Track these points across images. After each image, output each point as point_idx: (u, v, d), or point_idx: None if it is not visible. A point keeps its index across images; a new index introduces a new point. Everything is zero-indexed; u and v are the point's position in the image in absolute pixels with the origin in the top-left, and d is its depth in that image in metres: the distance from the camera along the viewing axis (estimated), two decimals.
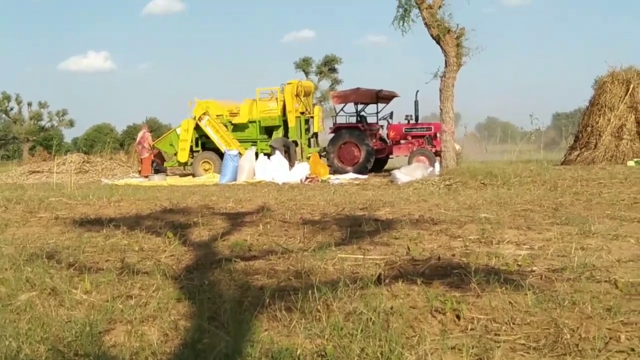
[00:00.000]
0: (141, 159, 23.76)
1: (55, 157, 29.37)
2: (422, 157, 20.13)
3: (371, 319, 3.56)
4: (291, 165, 19.94)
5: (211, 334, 3.53)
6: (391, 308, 3.81)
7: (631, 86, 21.58)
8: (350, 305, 3.86)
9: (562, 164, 22.29)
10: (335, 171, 21.04)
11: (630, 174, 15.27)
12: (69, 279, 4.87)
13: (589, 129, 22.22)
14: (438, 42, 16.34)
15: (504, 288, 4.22)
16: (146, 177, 22.29)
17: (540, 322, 3.59)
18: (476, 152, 27.88)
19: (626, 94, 21.62)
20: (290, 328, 3.60)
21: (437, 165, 17.17)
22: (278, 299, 4.08)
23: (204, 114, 21.77)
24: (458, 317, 3.71)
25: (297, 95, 21.48)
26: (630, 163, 19.93)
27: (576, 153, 22.26)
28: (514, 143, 30.49)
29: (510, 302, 3.90)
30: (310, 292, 4.08)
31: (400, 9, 16.65)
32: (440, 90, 16.42)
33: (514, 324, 3.60)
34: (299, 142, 21.57)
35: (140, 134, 23.97)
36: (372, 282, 4.44)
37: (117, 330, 3.65)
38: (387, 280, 4.53)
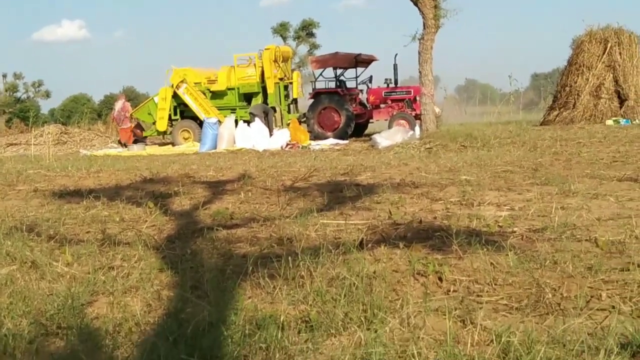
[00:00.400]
0: (122, 129, 23.57)
1: (33, 129, 29.07)
2: (402, 121, 20.10)
3: (354, 283, 3.57)
4: (270, 131, 19.83)
5: (194, 303, 3.53)
6: (374, 272, 3.82)
7: (609, 45, 21.69)
8: (333, 271, 3.86)
9: (541, 124, 22.43)
10: (315, 137, 20.97)
11: (608, 133, 15.40)
12: (49, 252, 4.84)
13: (567, 88, 22.33)
14: (416, 4, 16.26)
15: (485, 249, 4.24)
16: (126, 146, 22.19)
17: (522, 283, 3.62)
18: (456, 115, 27.99)
19: (604, 53, 21.72)
20: (274, 295, 3.60)
21: (417, 128, 17.18)
22: (261, 267, 4.08)
23: (182, 81, 21.55)
24: (440, 279, 3.73)
25: (275, 61, 21.31)
26: (609, 122, 20.09)
27: (555, 113, 22.38)
28: (493, 105, 30.61)
29: (491, 263, 3.92)
30: (292, 258, 4.07)
31: None
32: (419, 53, 16.38)
33: (495, 284, 3.62)
34: (277, 109, 21.44)
35: (119, 104, 23.71)
36: (355, 247, 4.44)
37: (100, 302, 3.64)
38: (369, 245, 4.54)
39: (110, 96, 79.84)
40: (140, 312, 3.39)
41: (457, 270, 3.87)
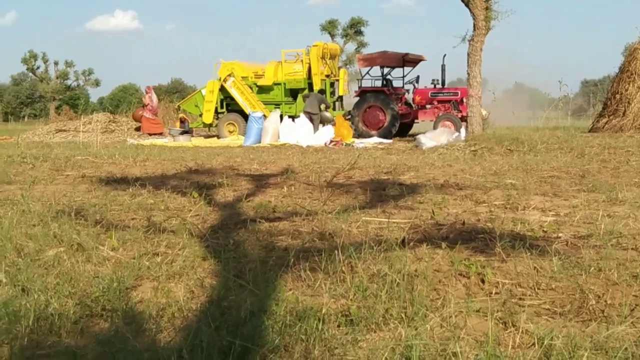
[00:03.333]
0: (145, 118, 24.44)
1: (82, 116, 29.59)
2: (448, 122, 20.00)
3: (395, 280, 3.57)
4: (315, 128, 19.84)
5: (236, 291, 3.57)
6: (415, 271, 3.81)
7: None
8: (375, 267, 3.87)
9: (589, 131, 22.03)
10: (359, 135, 20.96)
11: None
12: (95, 236, 4.93)
13: (617, 96, 21.88)
14: (467, 5, 16.10)
15: (529, 253, 4.20)
16: (151, 134, 23.44)
17: (566, 288, 3.58)
18: (503, 118, 27.64)
19: None
20: (315, 288, 3.62)
21: (462, 130, 17.05)
22: (302, 260, 4.10)
23: (229, 75, 21.76)
24: (482, 281, 3.71)
25: (323, 57, 21.36)
26: None
27: (604, 120, 21.96)
28: (541, 109, 30.20)
29: (535, 268, 3.88)
30: (334, 253, 4.09)
31: None
32: (468, 55, 16.22)
33: (538, 289, 3.59)
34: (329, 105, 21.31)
35: (153, 97, 24.64)
36: (397, 244, 4.44)
37: (144, 286, 3.70)
38: (411, 244, 4.52)
39: (158, 87, 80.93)
40: (183, 298, 3.44)
41: (500, 272, 3.84)
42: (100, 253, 4.35)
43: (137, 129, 25.35)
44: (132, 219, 6.08)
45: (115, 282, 3.59)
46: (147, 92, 26.08)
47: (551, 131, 20.95)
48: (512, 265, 3.96)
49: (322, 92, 21.08)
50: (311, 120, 19.75)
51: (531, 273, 3.81)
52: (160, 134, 24.48)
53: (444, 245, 4.47)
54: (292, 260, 4.08)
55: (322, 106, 20.39)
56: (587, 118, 31.32)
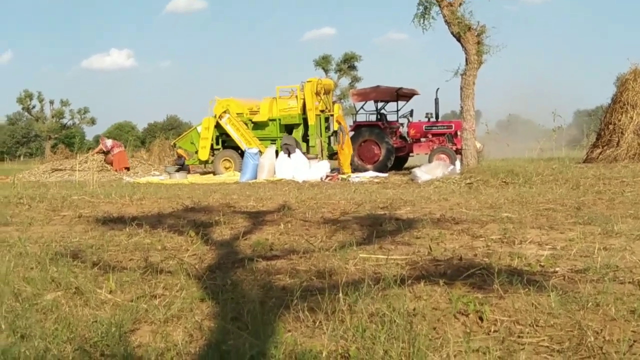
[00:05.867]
0: (113, 158, 25.07)
1: (77, 155, 29.64)
2: (443, 155, 20.11)
3: (394, 320, 3.57)
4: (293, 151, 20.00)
5: (235, 335, 3.55)
6: (414, 309, 3.81)
7: None
8: (373, 307, 3.86)
9: (584, 162, 22.13)
10: (355, 169, 21.04)
11: None
12: (93, 278, 4.92)
13: (611, 126, 22.05)
14: (459, 40, 16.29)
15: (526, 289, 4.21)
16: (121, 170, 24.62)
17: (564, 324, 3.58)
18: (497, 150, 27.76)
19: None
20: (314, 329, 3.61)
21: (457, 163, 17.13)
22: (301, 300, 4.10)
23: (225, 112, 21.88)
24: (481, 318, 3.70)
25: (317, 93, 21.49)
26: None
27: (598, 151, 22.09)
28: (536, 141, 30.34)
29: (533, 304, 3.88)
30: (332, 292, 4.09)
31: (421, 7, 16.66)
32: (461, 88, 16.37)
33: (537, 326, 3.59)
34: (318, 140, 21.49)
35: (109, 143, 25.30)
36: (395, 282, 4.44)
37: (142, 330, 3.69)
38: (409, 281, 4.52)
39: (154, 124, 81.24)
40: (182, 342, 3.43)
41: (498, 310, 3.84)
42: (98, 296, 4.34)
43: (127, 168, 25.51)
44: (130, 259, 6.08)
45: (113, 326, 3.58)
46: (101, 141, 26.59)
47: (546, 162, 21.04)
48: (510, 302, 3.97)
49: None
50: (288, 152, 19.88)
51: (529, 309, 3.81)
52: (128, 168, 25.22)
53: (441, 282, 4.47)
54: (291, 300, 4.08)
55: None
56: (581, 148, 31.46)
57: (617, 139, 21.55)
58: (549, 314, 3.74)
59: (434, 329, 3.57)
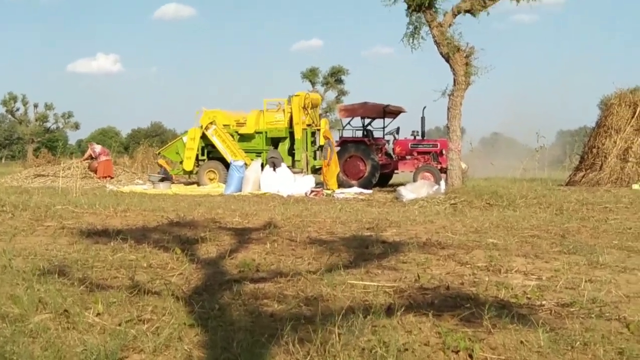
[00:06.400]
0: (99, 164, 25.18)
1: (60, 160, 29.45)
2: (428, 174, 20.18)
3: (384, 356, 3.57)
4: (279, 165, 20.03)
5: None
6: (404, 344, 3.81)
7: (638, 109, 21.63)
8: (363, 339, 3.86)
9: (567, 184, 22.31)
10: (340, 185, 21.04)
11: (635, 198, 15.29)
12: (80, 298, 4.88)
13: (594, 150, 22.25)
14: (447, 61, 16.38)
15: (515, 324, 4.24)
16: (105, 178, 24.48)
17: None
18: (480, 168, 27.89)
19: (633, 117, 21.66)
20: None
21: (442, 183, 17.18)
22: (290, 329, 4.08)
23: (211, 123, 21.83)
24: (470, 356, 3.72)
25: (305, 107, 21.50)
26: (635, 186, 19.96)
27: (581, 174, 22.28)
28: (518, 159, 30.51)
29: (522, 342, 3.91)
30: (322, 323, 4.09)
31: (411, 26, 16.71)
32: (448, 109, 16.44)
33: None
34: (304, 155, 21.50)
35: (97, 149, 25.16)
36: (383, 312, 4.46)
37: (131, 359, 3.66)
38: (398, 313, 4.52)
39: (137, 130, 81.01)
40: None
41: (486, 347, 3.85)
42: (86, 319, 4.31)
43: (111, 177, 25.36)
44: (115, 277, 6.05)
45: (104, 355, 3.55)
46: (90, 146, 26.44)
47: (529, 183, 21.16)
48: (499, 338, 3.98)
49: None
50: (274, 165, 19.88)
51: (518, 347, 3.83)
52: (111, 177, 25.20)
53: (430, 314, 4.49)
54: (280, 330, 4.07)
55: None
56: (564, 169, 31.71)
57: (600, 162, 21.75)
58: (538, 352, 3.77)
59: None
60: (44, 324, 4.18)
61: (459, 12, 16.48)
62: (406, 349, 3.74)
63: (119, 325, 4.22)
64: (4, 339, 3.85)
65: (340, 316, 4.22)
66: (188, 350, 3.79)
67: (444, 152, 20.53)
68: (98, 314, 4.48)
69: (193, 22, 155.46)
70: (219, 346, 3.81)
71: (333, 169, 20.10)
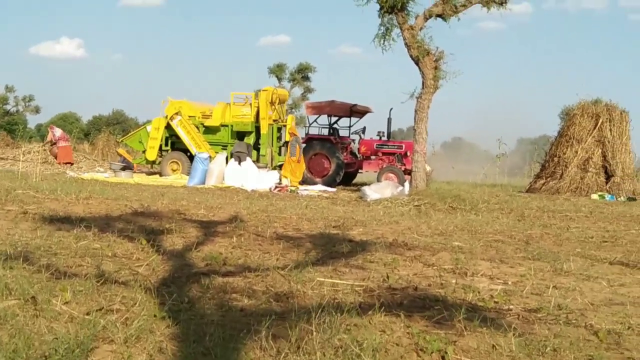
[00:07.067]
0: (61, 148, 24.77)
1: (20, 143, 28.91)
2: (391, 175, 20.29)
3: (359, 355, 3.56)
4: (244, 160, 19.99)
5: (198, 359, 3.50)
6: (378, 343, 3.80)
7: (600, 120, 22.03)
8: (336, 338, 3.85)
9: (527, 191, 22.65)
10: (304, 182, 21.06)
11: (594, 208, 15.60)
12: (46, 287, 4.77)
13: (555, 159, 22.62)
14: (417, 63, 16.44)
15: (485, 328, 4.27)
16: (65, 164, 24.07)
17: None
18: (442, 172, 28.16)
19: (594, 128, 22.07)
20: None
21: (406, 184, 17.28)
22: (261, 325, 4.05)
23: (177, 113, 21.61)
24: (443, 358, 3.73)
25: (272, 102, 21.42)
26: (594, 196, 20.35)
27: (541, 182, 22.63)
28: (479, 164, 30.88)
29: (493, 345, 3.93)
30: (294, 319, 4.08)
31: (382, 27, 16.72)
32: (416, 111, 16.51)
33: None
34: (269, 150, 21.47)
35: (58, 133, 24.73)
36: (354, 310, 4.46)
37: (102, 349, 3.58)
38: (369, 312, 4.53)
39: (98, 117, 79.86)
40: None
41: (458, 349, 3.87)
42: (53, 307, 4.22)
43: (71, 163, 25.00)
44: (79, 265, 5.94)
45: (74, 345, 3.47)
46: (50, 130, 26.00)
47: (490, 189, 21.51)
48: (470, 341, 4.01)
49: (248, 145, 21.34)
50: (239, 159, 19.78)
51: (489, 351, 3.86)
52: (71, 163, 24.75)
53: (401, 314, 4.50)
54: (252, 325, 4.04)
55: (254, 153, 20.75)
56: (523, 176, 32.19)
57: (560, 171, 22.11)
58: (509, 356, 3.79)
59: None
60: (11, 310, 4.08)
61: (430, 16, 16.56)
62: (379, 349, 3.74)
63: (88, 314, 4.14)
64: None
65: (317, 314, 4.21)
66: (159, 342, 3.73)
67: (408, 153, 20.65)
68: (66, 302, 4.39)
69: (160, 11, 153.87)
70: (191, 339, 3.77)
71: (301, 166, 20.12)
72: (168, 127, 21.91)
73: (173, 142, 22.24)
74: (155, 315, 4.20)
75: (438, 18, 16.64)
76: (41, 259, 5.86)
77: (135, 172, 22.60)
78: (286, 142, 23.00)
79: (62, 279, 5.13)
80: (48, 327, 3.82)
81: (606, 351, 4.03)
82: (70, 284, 4.91)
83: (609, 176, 21.65)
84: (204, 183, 19.14)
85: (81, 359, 3.38)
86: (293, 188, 19.04)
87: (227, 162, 19.98)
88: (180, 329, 3.96)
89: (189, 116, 21.90)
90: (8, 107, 62.90)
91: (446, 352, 3.74)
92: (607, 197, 20.27)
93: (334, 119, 22.98)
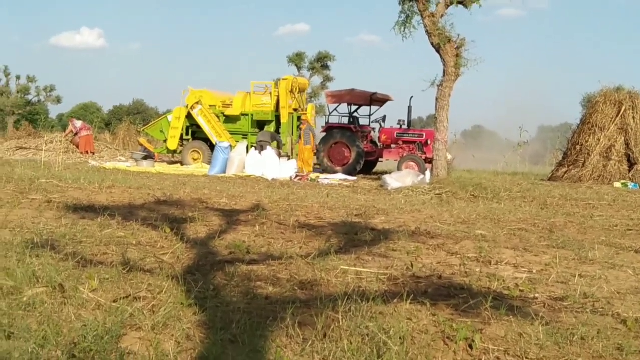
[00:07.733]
0: (80, 139, 24.95)
1: (42, 133, 29.14)
2: (412, 163, 20.19)
3: (386, 343, 3.56)
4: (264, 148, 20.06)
5: (225, 346, 3.52)
6: (404, 332, 3.80)
7: (623, 108, 21.76)
8: (363, 327, 3.85)
9: (549, 179, 22.45)
10: (324, 170, 21.05)
11: (617, 196, 15.43)
12: (73, 275, 4.82)
13: (578, 147, 22.38)
14: (438, 51, 16.36)
15: (511, 316, 4.25)
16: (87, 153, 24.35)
17: (554, 358, 3.61)
18: (462, 160, 28.02)
19: (617, 116, 21.80)
20: (304, 347, 3.57)
21: (427, 173, 17.21)
22: (286, 312, 4.06)
23: (197, 103, 21.70)
24: (470, 346, 3.71)
25: (292, 91, 21.42)
26: (617, 184, 20.12)
27: (564, 170, 22.42)
28: (499, 153, 30.69)
29: (520, 334, 3.91)
30: (320, 307, 4.08)
31: (403, 15, 16.65)
32: (437, 99, 16.43)
33: (527, 358, 3.61)
34: (289, 139, 21.53)
35: (78, 124, 24.85)
36: (379, 299, 4.45)
37: (130, 336, 3.61)
38: (394, 300, 4.52)
39: (119, 107, 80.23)
40: (173, 353, 3.37)
41: (486, 337, 3.85)
42: (81, 295, 4.25)
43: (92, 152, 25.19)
44: (105, 253, 5.98)
45: (103, 331, 3.50)
46: (70, 122, 26.16)
47: (511, 177, 21.33)
48: (497, 329, 3.99)
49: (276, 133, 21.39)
50: (261, 148, 19.83)
51: (517, 339, 3.84)
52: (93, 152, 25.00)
53: (427, 302, 4.49)
54: (278, 313, 4.05)
55: (275, 143, 20.75)
56: (545, 165, 31.93)
57: (583, 159, 21.89)
58: (537, 344, 3.77)
59: (425, 355, 3.56)
60: (40, 297, 4.12)
61: (451, 3, 16.46)
62: (406, 337, 3.73)
63: (115, 302, 4.18)
64: (1, 313, 3.79)
65: (343, 302, 4.21)
66: (186, 329, 3.75)
67: (429, 142, 20.55)
68: (93, 290, 4.42)
69: (179, 1, 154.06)
70: (218, 327, 3.78)
71: (310, 154, 20.20)
72: (189, 116, 22.00)
73: (194, 131, 22.33)
74: (182, 303, 4.23)
75: (459, 5, 16.54)
76: (67, 247, 5.91)
77: (156, 161, 22.72)
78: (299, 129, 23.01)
79: (88, 267, 5.17)
80: (76, 315, 3.86)
81: (635, 340, 3.99)
82: (97, 271, 4.95)
83: (631, 164, 21.39)
84: (224, 172, 19.20)
85: (110, 345, 3.41)
86: (313, 176, 19.04)
87: (247, 151, 20.02)
88: (207, 317, 3.98)
89: (210, 105, 21.97)
90: (30, 97, 63.23)
91: (473, 341, 3.73)
92: (630, 185, 20.04)
93: (354, 107, 22.88)
